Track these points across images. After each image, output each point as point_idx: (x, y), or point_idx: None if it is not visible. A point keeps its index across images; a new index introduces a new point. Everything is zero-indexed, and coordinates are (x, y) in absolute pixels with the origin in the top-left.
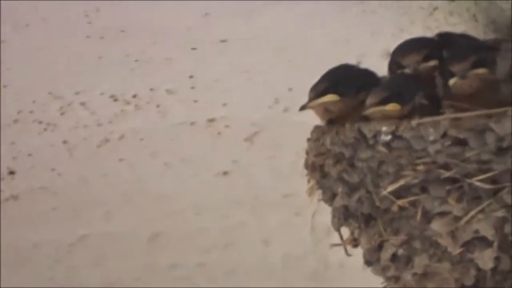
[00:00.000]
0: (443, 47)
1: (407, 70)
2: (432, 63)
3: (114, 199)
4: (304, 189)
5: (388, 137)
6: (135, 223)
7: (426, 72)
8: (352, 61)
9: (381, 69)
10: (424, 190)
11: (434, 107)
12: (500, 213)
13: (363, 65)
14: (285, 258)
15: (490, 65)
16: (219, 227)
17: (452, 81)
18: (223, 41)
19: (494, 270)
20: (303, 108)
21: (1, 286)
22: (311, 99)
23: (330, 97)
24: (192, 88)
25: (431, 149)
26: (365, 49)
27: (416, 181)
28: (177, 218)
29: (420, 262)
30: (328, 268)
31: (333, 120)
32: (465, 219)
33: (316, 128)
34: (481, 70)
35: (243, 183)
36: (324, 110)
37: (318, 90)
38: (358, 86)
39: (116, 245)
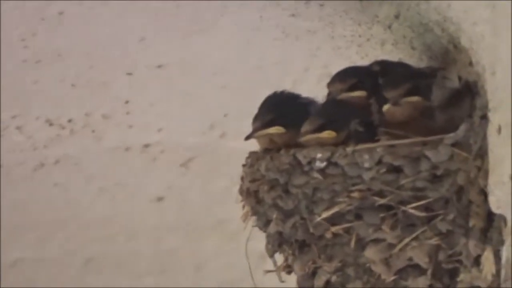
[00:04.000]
0: (380, 75)
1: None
2: (357, 93)
3: (47, 223)
4: (238, 215)
5: (323, 164)
6: (69, 248)
7: (353, 102)
8: (288, 85)
9: (316, 93)
10: (358, 217)
11: (369, 134)
12: (434, 241)
13: (298, 90)
14: (219, 284)
15: (424, 92)
16: (152, 252)
17: (385, 108)
18: (159, 66)
19: None
20: (248, 137)
21: None
22: (256, 129)
23: (276, 129)
24: (128, 113)
25: (366, 176)
26: (300, 74)
27: (350, 208)
28: (110, 243)
29: None
30: None
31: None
32: (399, 246)
33: (251, 154)
34: (414, 98)
35: (177, 209)
36: (269, 141)
37: (264, 121)
38: (304, 119)
39: (49, 270)
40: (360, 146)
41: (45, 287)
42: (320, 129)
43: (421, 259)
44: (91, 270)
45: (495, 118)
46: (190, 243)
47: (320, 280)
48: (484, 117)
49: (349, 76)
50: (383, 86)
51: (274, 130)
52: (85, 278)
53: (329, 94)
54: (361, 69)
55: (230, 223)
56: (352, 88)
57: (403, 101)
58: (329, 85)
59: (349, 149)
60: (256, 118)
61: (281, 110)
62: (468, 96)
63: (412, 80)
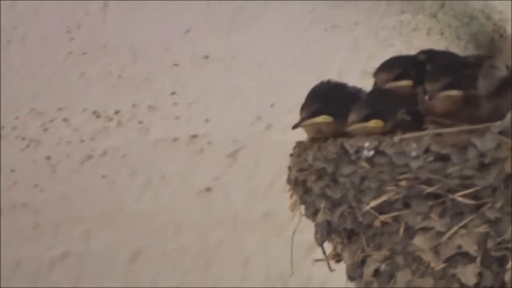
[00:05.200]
0: (427, 64)
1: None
2: (404, 83)
3: (94, 216)
4: (284, 207)
5: (371, 153)
6: (116, 241)
7: (399, 91)
8: (333, 75)
9: (361, 84)
10: (406, 205)
11: (416, 123)
12: (483, 229)
13: (343, 80)
14: (266, 278)
15: (468, 84)
16: (199, 246)
17: (425, 100)
18: (205, 57)
19: (477, 285)
20: (296, 126)
21: None
22: (304, 118)
23: (324, 118)
24: (175, 104)
25: (413, 164)
26: (346, 65)
27: (398, 196)
28: (157, 236)
29: (403, 277)
30: (311, 284)
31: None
32: (448, 234)
33: (299, 143)
34: (452, 92)
35: (223, 201)
36: (317, 130)
37: (311, 110)
38: (351, 108)
39: (96, 263)
40: (407, 135)
41: (92, 281)
42: (367, 118)
43: (470, 247)
44: (138, 263)
45: None
46: (236, 237)
47: (369, 269)
48: None
49: (395, 66)
50: (427, 78)
51: (321, 119)
52: (132, 271)
53: (375, 84)
54: (406, 58)
55: (276, 216)
56: (397, 78)
57: (441, 95)
58: (375, 75)
59: (396, 138)
60: (303, 108)
61: (328, 99)
62: None
63: (455, 72)
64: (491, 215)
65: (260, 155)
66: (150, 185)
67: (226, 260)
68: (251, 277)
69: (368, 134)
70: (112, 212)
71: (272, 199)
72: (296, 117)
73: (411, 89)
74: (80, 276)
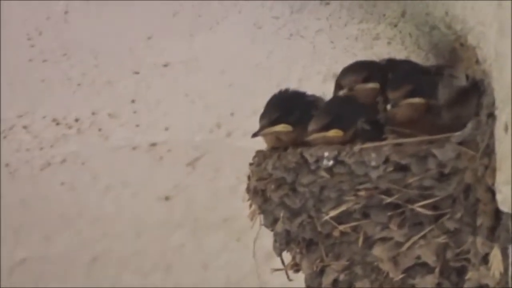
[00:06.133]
0: (389, 72)
1: (344, 91)
2: (371, 85)
3: (54, 221)
4: (244, 213)
5: (330, 162)
6: (75, 246)
7: (366, 94)
8: (294, 83)
9: (321, 91)
10: (365, 215)
11: (376, 133)
12: (442, 239)
13: (303, 88)
14: (225, 282)
15: (429, 92)
16: (159, 250)
17: (388, 108)
18: (165, 65)
19: None
20: (255, 135)
21: None
22: (263, 126)
23: (283, 127)
24: (134, 112)
25: (373, 174)
26: (307, 72)
27: (357, 206)
28: (117, 240)
29: (361, 287)
30: None
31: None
32: (407, 245)
33: (258, 152)
34: (415, 100)
35: (183, 207)
36: (276, 139)
37: (270, 119)
38: (311, 117)
39: (56, 268)
40: (367, 145)
41: (52, 285)
42: (327, 127)
43: (429, 258)
44: (97, 267)
45: (502, 116)
46: (196, 241)
47: (328, 279)
48: (491, 115)
49: (363, 68)
50: (387, 87)
51: (281, 128)
52: (92, 275)
53: (338, 88)
54: (371, 63)
55: (236, 221)
56: (366, 80)
57: (403, 103)
58: (341, 78)
59: (356, 147)
60: (262, 116)
61: (288, 108)
62: (475, 94)
63: (416, 80)
64: (450, 225)
65: (220, 162)
66: (110, 189)
67: (186, 264)
68: (211, 280)
69: (328, 143)
70: (72, 217)
71: (232, 204)
72: (256, 124)
73: (377, 93)
74: (40, 281)
